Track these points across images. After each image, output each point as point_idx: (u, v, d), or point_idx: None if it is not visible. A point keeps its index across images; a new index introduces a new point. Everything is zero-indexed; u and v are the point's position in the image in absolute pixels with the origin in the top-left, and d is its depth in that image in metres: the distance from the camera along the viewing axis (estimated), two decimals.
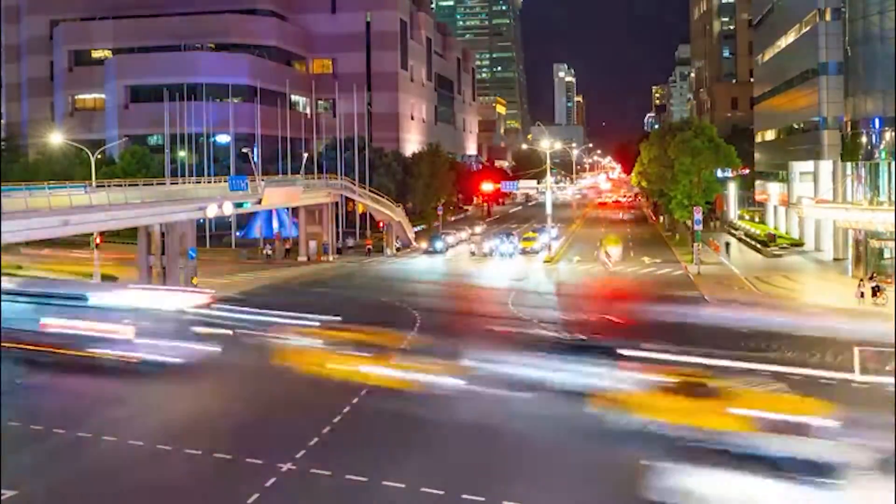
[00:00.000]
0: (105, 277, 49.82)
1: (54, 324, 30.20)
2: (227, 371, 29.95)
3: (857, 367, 29.29)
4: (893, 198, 48.31)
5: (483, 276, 58.57)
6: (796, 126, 71.08)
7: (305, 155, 72.78)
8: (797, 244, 69.02)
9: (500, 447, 22.31)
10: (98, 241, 55.28)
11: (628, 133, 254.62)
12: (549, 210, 73.99)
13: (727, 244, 68.45)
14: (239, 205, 52.92)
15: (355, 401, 26.07)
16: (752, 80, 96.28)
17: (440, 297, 51.64)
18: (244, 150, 71.63)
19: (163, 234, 46.20)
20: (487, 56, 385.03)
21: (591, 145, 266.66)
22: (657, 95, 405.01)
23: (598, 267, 61.42)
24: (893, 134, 48.81)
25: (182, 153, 79.81)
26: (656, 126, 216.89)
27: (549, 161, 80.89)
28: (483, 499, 18.77)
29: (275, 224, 71.48)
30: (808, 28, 65.83)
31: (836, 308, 41.92)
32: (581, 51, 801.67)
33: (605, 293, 50.87)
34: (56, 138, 74.36)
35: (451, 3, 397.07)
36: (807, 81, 65.85)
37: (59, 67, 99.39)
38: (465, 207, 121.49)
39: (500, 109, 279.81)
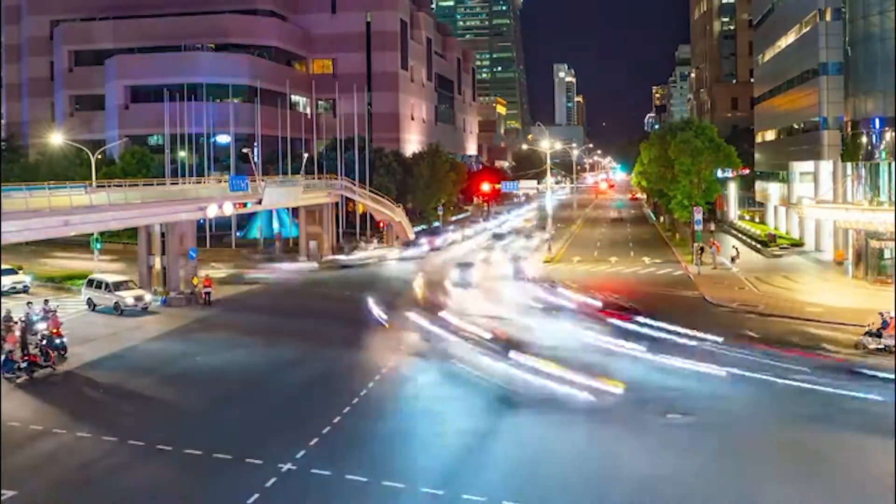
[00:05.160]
0: None
1: None
2: None
3: None
4: (893, 198, 48.29)
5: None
6: (796, 126, 71.04)
7: (305, 155, 72.74)
8: (797, 244, 69.00)
9: None
10: None
11: (628, 133, 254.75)
12: (549, 210, 74.06)
13: (735, 250, 62.37)
14: (244, 205, 52.99)
15: None
16: (752, 80, 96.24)
17: None
18: (244, 150, 71.65)
19: (163, 234, 46.22)
20: (487, 56, 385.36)
21: (591, 145, 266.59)
22: (657, 95, 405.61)
23: (598, 267, 61.36)
24: (893, 134, 48.79)
25: (182, 153, 79.76)
26: (656, 126, 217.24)
27: (549, 161, 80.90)
28: None
29: (275, 224, 71.49)
30: (808, 28, 65.80)
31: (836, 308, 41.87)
32: (581, 51, 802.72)
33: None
34: (56, 138, 74.28)
35: (451, 3, 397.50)
36: (807, 81, 65.83)
37: (59, 67, 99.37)
38: (466, 207, 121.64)
39: (500, 109, 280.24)
